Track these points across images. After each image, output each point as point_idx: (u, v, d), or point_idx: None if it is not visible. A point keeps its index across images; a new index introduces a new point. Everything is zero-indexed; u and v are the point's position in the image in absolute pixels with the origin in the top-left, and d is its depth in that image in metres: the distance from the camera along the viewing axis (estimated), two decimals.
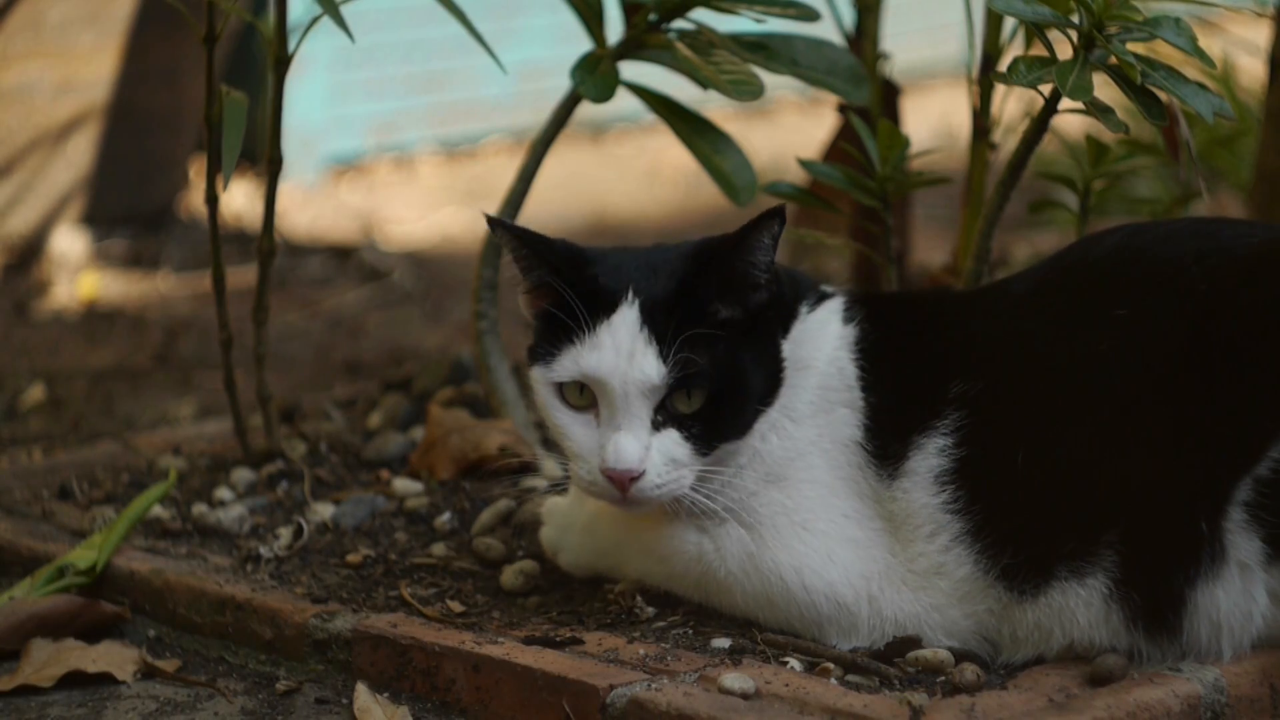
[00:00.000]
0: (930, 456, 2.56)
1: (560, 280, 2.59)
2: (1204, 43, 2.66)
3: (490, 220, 2.68)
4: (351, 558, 2.89)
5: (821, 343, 2.66)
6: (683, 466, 2.56)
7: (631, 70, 3.12)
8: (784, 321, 2.65)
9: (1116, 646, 2.48)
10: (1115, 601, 2.46)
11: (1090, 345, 2.52)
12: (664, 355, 2.54)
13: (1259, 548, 2.44)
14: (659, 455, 2.55)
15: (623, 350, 2.55)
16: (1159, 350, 2.48)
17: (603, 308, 2.58)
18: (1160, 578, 2.45)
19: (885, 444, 2.59)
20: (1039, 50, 2.73)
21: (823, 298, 2.71)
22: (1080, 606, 2.48)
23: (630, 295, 2.57)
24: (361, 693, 2.61)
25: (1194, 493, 2.44)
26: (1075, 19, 2.66)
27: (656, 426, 2.56)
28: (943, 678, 2.49)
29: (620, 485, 2.54)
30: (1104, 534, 2.46)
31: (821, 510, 2.60)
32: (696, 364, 2.54)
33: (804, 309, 2.68)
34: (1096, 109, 2.66)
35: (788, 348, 2.64)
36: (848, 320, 2.68)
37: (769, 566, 2.60)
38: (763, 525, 2.61)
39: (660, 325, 2.55)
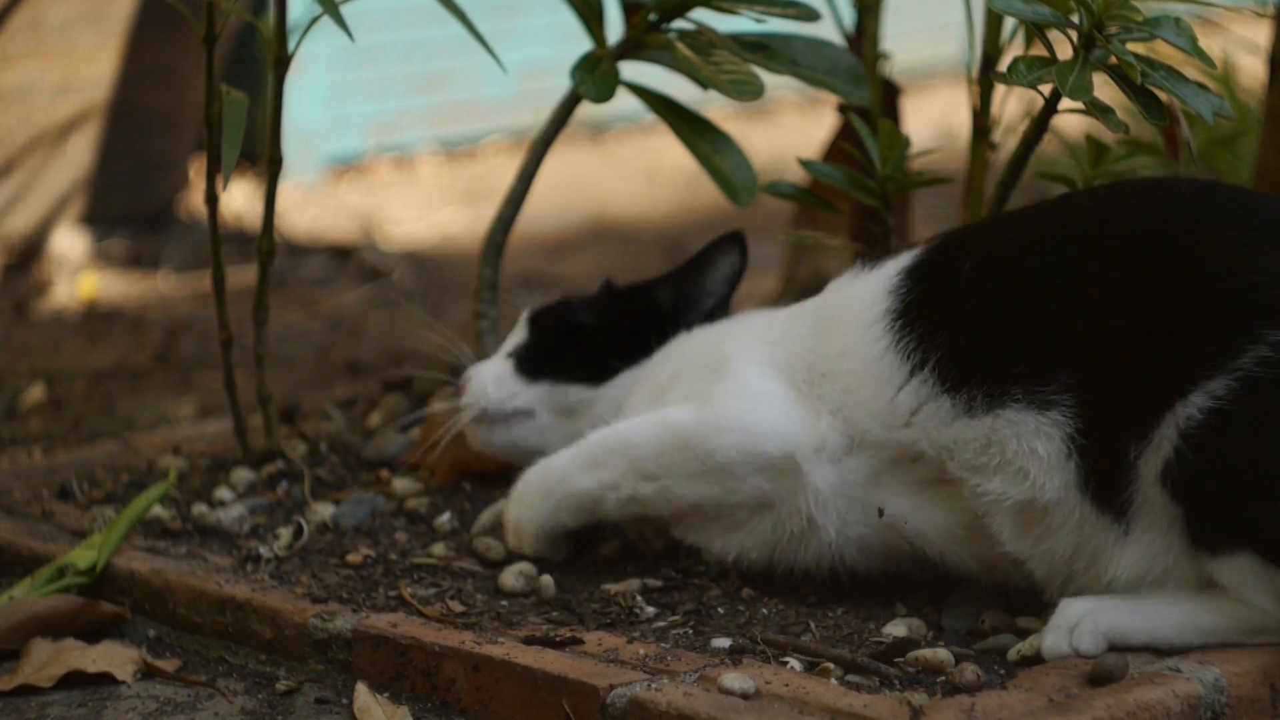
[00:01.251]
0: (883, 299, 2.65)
1: None
2: (1204, 43, 2.66)
3: None
4: (351, 558, 2.89)
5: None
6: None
7: (631, 70, 3.12)
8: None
9: (1065, 503, 2.50)
10: (1075, 451, 2.48)
11: (1065, 246, 2.55)
12: None
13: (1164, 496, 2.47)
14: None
15: None
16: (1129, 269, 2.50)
17: None
18: (1111, 446, 2.47)
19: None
20: (1039, 50, 2.73)
21: None
22: (1040, 439, 2.50)
23: None
24: (361, 693, 2.61)
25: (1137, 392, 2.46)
26: (1075, 19, 2.66)
27: None
28: (943, 678, 2.49)
29: None
30: (1059, 371, 2.48)
31: (746, 369, 2.72)
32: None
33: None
34: (1096, 109, 2.66)
35: None
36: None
37: (719, 408, 2.70)
38: (702, 394, 2.73)
39: None
